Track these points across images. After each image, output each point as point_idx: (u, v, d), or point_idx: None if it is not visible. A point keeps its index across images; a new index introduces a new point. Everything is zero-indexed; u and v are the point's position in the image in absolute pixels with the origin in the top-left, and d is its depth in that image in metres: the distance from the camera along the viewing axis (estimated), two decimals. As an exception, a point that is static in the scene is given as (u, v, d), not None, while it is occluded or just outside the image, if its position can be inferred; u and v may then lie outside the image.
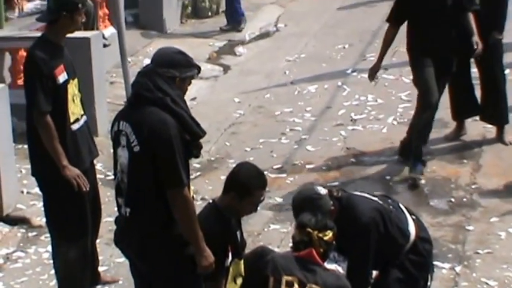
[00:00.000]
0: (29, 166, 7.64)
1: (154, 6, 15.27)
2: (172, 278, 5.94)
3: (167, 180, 5.82)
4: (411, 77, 12.32)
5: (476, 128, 10.63)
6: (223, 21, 16.44)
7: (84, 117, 7.38)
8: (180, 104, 5.93)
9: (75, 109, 7.24)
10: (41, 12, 11.73)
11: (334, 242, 6.05)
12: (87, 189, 7.11)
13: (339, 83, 12.82)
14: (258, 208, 6.43)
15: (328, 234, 5.93)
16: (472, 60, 10.30)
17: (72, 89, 7.23)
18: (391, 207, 6.87)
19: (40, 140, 7.11)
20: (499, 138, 10.41)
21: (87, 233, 7.35)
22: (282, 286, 5.80)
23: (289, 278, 5.81)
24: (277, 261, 5.92)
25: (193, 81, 6.12)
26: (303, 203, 6.49)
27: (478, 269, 7.72)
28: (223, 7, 16.91)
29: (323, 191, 6.64)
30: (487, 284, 7.46)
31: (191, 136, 5.96)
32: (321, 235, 5.90)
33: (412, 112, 11.19)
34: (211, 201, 6.45)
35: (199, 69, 6.21)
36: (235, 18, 15.74)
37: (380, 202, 6.87)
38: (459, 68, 10.25)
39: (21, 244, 8.61)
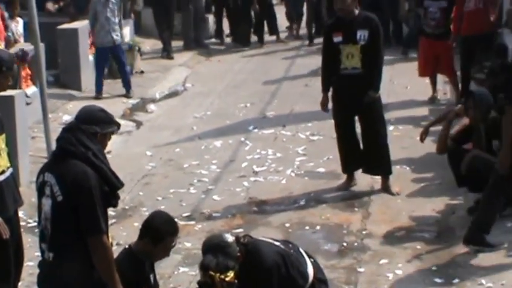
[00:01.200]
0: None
1: (72, 67, 15.15)
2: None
3: (88, 227, 5.77)
4: (307, 133, 12.62)
5: (365, 179, 10.67)
6: (137, 81, 16.40)
7: (10, 169, 7.28)
8: (100, 158, 5.93)
9: (1, 162, 7.14)
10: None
11: (236, 281, 6.03)
12: (7, 236, 6.96)
13: (242, 139, 12.81)
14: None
15: (230, 275, 5.94)
16: (356, 118, 10.44)
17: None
18: (291, 250, 6.89)
19: None
20: (385, 188, 10.46)
21: (9, 277, 7.21)
22: None
23: None
24: None
25: (108, 135, 6.11)
26: (213, 243, 6.48)
27: (369, 308, 7.72)
28: (137, 68, 16.99)
29: (230, 238, 6.63)
30: (376, 322, 7.46)
31: (110, 187, 5.96)
32: (222, 276, 5.89)
33: (309, 164, 11.34)
34: (127, 246, 6.41)
35: (118, 125, 6.26)
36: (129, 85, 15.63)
37: (282, 246, 6.88)
38: (345, 125, 10.44)
39: None
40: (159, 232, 6.25)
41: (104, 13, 14.39)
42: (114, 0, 14.56)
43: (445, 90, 14.46)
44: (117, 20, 14.77)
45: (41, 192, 5.95)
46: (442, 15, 13.77)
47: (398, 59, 17.10)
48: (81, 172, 5.77)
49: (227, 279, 5.89)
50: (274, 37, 20.66)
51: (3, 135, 7.22)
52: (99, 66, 14.74)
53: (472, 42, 13.43)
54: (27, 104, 11.48)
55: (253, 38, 20.42)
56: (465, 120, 9.68)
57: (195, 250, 7.43)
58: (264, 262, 6.55)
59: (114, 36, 14.56)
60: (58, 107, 13.62)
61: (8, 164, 7.23)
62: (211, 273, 5.87)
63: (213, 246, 6.48)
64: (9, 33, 13.82)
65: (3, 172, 7.12)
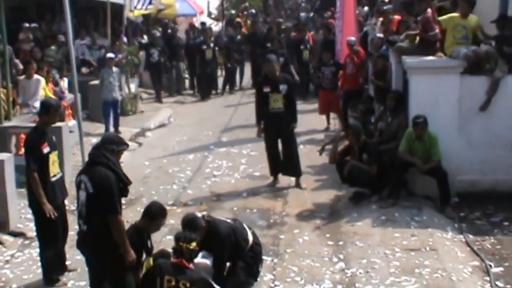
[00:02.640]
0: (26, 201, 7.49)
1: (97, 109, 14.77)
2: (111, 266, 5.91)
3: (109, 209, 5.84)
4: (248, 150, 12.58)
5: (284, 179, 10.66)
6: (139, 117, 16.28)
7: (60, 174, 7.31)
8: (117, 165, 6.01)
9: (54, 169, 7.16)
10: (31, 113, 11.70)
11: (198, 249, 5.97)
12: (54, 216, 6.97)
13: (206, 154, 12.74)
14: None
15: (193, 245, 5.87)
16: (279, 139, 10.43)
17: (53, 157, 7.14)
18: (238, 225, 6.94)
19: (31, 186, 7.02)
20: (297, 185, 10.45)
21: (58, 241, 7.20)
22: (164, 282, 5.74)
23: (169, 277, 5.74)
24: (162, 266, 5.84)
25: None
26: (187, 221, 6.49)
27: (287, 260, 7.73)
28: (139, 109, 16.82)
29: (199, 215, 6.68)
30: (291, 269, 7.47)
31: (123, 184, 5.99)
32: (188, 246, 5.85)
33: (249, 170, 11.33)
34: (133, 223, 6.40)
35: (127, 145, 6.32)
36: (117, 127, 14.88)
37: (232, 222, 6.94)
38: (272, 145, 10.45)
39: (20, 248, 8.37)
40: (154, 214, 6.29)
41: (108, 79, 14.03)
42: (115, 70, 14.21)
43: (335, 123, 14.49)
44: (117, 84, 14.35)
45: (78, 188, 6.01)
46: (332, 76, 13.80)
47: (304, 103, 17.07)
48: (104, 174, 5.85)
49: (191, 247, 5.89)
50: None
51: (56, 152, 7.25)
52: (105, 114, 14.24)
53: (350, 94, 13.60)
54: (70, 131, 11.42)
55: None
56: (346, 142, 9.77)
57: (176, 225, 7.38)
58: (220, 233, 6.60)
59: (113, 95, 14.11)
60: (89, 133, 13.51)
61: (59, 170, 7.30)
62: (180, 243, 5.89)
63: (188, 220, 6.53)
64: (57, 88, 13.72)
65: (54, 176, 7.16)
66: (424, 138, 8.88)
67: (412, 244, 7.76)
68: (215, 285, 6.36)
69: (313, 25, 21.46)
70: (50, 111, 7.17)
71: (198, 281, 5.85)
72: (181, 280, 5.68)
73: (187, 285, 5.67)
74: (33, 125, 7.92)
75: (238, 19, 23.36)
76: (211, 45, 19.09)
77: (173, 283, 5.69)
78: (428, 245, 7.70)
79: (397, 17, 12.13)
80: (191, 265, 5.85)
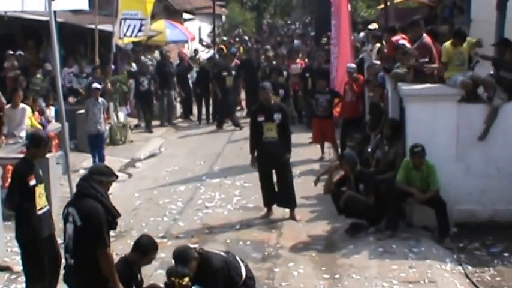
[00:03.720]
0: (12, 235, 7.52)
1: (84, 140, 14.53)
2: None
3: (97, 243, 5.85)
4: (241, 181, 12.56)
5: (278, 210, 10.68)
6: (129, 147, 16.27)
7: (47, 207, 7.31)
8: (105, 197, 6.03)
9: (41, 202, 7.17)
10: (17, 143, 11.72)
11: (190, 284, 6.03)
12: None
13: (198, 185, 12.74)
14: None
15: (185, 280, 5.91)
16: (273, 170, 10.48)
17: (40, 190, 7.16)
18: (231, 258, 6.94)
19: (18, 220, 7.05)
20: (292, 217, 10.46)
21: (44, 276, 7.18)
22: None
23: None
24: None
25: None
26: (179, 254, 6.52)
27: (282, 295, 7.73)
28: (128, 138, 16.81)
29: (192, 247, 6.70)
30: (287, 303, 7.49)
31: (111, 216, 6.00)
32: (180, 281, 5.88)
33: (242, 201, 11.36)
34: (123, 256, 6.45)
35: (116, 176, 6.34)
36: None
37: (225, 255, 6.94)
38: (266, 176, 10.50)
39: (7, 283, 8.32)
40: (146, 248, 6.34)
41: (93, 110, 13.75)
42: (101, 102, 13.96)
43: (329, 152, 14.55)
44: (102, 116, 13.97)
45: (66, 220, 6.03)
46: (327, 104, 13.87)
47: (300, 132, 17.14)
48: (92, 206, 5.88)
49: (183, 283, 5.90)
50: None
51: (43, 184, 7.28)
52: (91, 148, 13.98)
53: (349, 122, 13.66)
54: (57, 163, 11.41)
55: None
56: (342, 172, 9.83)
57: (168, 259, 7.39)
58: (213, 266, 6.60)
59: (98, 127, 13.79)
60: (76, 164, 13.50)
61: (46, 203, 7.30)
62: (173, 278, 5.89)
63: (180, 253, 6.56)
64: (43, 117, 13.75)
65: (41, 208, 7.18)
66: (422, 167, 8.98)
67: (410, 276, 7.79)
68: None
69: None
70: (40, 144, 7.23)
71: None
72: None
73: None
74: (21, 155, 7.95)
75: (222, 46, 23.29)
76: (233, 72, 19.02)
77: None
78: (427, 277, 7.73)
79: (394, 38, 12.11)
80: None
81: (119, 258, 6.41)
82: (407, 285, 7.58)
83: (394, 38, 11.36)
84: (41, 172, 7.37)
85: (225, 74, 18.72)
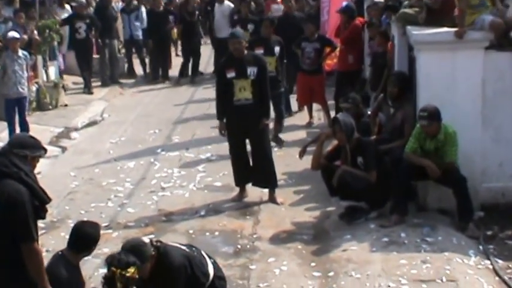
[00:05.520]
0: None
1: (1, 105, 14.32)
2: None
3: (21, 236, 5.74)
4: (207, 154, 12.60)
5: (255, 191, 10.68)
6: (62, 113, 16.23)
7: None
8: (31, 177, 5.92)
9: None
10: None
11: (136, 276, 5.98)
12: None
13: (152, 160, 12.73)
14: (90, 256, 6.57)
15: (131, 271, 5.87)
16: (247, 140, 10.47)
17: None
18: (195, 253, 6.88)
19: None
20: (272, 199, 10.47)
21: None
22: None
23: None
24: None
25: (37, 158, 6.06)
26: (131, 249, 6.45)
27: (260, 298, 7.71)
28: (61, 102, 16.76)
29: (147, 240, 6.63)
30: (266, 309, 7.47)
31: (40, 202, 5.93)
32: (123, 272, 5.84)
33: (208, 179, 11.34)
34: (59, 252, 6.40)
35: (45, 150, 6.25)
36: None
37: (187, 250, 6.87)
38: (237, 147, 10.48)
39: None
40: (87, 239, 6.37)
41: (11, 66, 13.43)
42: (22, 55, 13.65)
43: (319, 116, 14.59)
44: (25, 75, 13.70)
45: (-21, 208, 5.90)
46: (315, 55, 13.84)
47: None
48: (14, 189, 5.74)
49: (128, 274, 5.86)
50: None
51: None
52: (8, 116, 13.68)
53: (343, 78, 13.68)
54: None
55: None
56: (335, 142, 9.80)
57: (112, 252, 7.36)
58: (173, 263, 6.51)
59: (20, 89, 13.55)
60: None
61: None
62: (113, 269, 5.87)
63: (130, 246, 6.48)
64: None
65: None
66: (439, 136, 8.91)
67: (423, 274, 7.79)
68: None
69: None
70: None
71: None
72: None
73: None
74: None
75: None
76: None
77: None
78: (444, 274, 7.73)
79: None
80: None
81: (53, 255, 6.38)
82: (420, 285, 7.58)
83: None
84: None
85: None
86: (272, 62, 11.95)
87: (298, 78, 14.44)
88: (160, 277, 6.47)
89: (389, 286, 7.59)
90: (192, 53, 20.07)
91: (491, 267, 8.03)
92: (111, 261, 5.91)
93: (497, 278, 7.79)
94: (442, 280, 7.62)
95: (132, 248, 6.45)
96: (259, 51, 11.58)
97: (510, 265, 8.07)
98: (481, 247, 8.49)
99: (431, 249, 8.29)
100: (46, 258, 6.11)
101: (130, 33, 20.28)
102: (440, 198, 9.28)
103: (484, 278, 7.74)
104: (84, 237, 6.40)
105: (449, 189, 8.99)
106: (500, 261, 8.15)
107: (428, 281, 7.62)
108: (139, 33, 20.28)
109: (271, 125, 11.72)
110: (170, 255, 6.58)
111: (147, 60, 20.82)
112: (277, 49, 12.40)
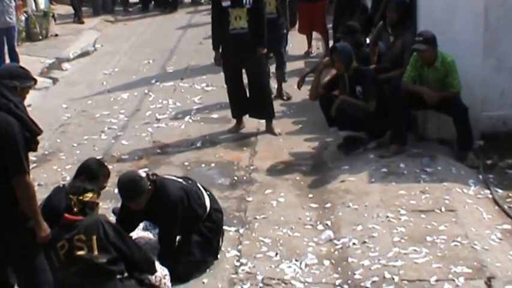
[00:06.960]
0: None
1: None
2: (17, 245, 5.81)
3: (12, 169, 5.69)
4: (202, 84, 12.58)
5: (251, 122, 10.71)
6: (52, 43, 16.16)
7: None
8: (21, 108, 5.84)
9: None
10: None
11: (97, 201, 6.14)
12: None
13: (146, 91, 12.73)
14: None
15: (88, 195, 6.00)
16: (244, 70, 10.46)
17: None
18: (191, 186, 6.96)
19: None
20: (269, 130, 10.51)
21: None
22: (59, 252, 5.95)
23: (60, 243, 5.94)
24: (52, 235, 5.83)
25: (28, 90, 6.05)
26: (126, 184, 6.56)
27: (257, 230, 7.76)
28: (51, 32, 16.69)
29: (143, 174, 6.69)
30: (263, 241, 7.50)
31: (30, 133, 5.87)
32: (81, 197, 5.95)
33: (204, 111, 11.36)
34: (60, 185, 6.59)
35: (35, 81, 6.17)
36: None
37: (183, 182, 6.95)
38: (234, 77, 10.46)
39: None
40: (96, 171, 6.52)
41: None
42: None
43: (318, 45, 14.51)
44: (13, 4, 13.46)
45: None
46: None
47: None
48: (4, 121, 5.66)
49: (85, 199, 5.96)
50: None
51: None
52: None
53: (342, 5, 13.49)
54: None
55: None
56: (333, 71, 9.77)
57: (107, 187, 7.39)
58: (170, 196, 6.62)
59: (7, 19, 13.28)
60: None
61: None
62: (71, 196, 5.97)
63: (127, 183, 6.56)
64: None
65: None
66: (436, 64, 8.91)
67: (422, 204, 7.85)
68: (161, 266, 6.41)
69: None
70: None
71: (138, 261, 6.00)
72: (73, 237, 5.90)
73: (83, 238, 5.89)
74: None
75: None
76: None
77: (66, 247, 5.92)
78: (444, 204, 7.78)
79: None
80: (137, 231, 6.04)
81: (54, 188, 6.48)
82: (419, 215, 7.61)
83: None
84: None
85: None
86: (272, 2, 11.36)
87: (298, 7, 14.32)
88: (158, 210, 6.59)
89: (387, 217, 7.63)
90: None
91: (490, 196, 8.10)
92: (69, 189, 6.10)
93: (496, 208, 7.85)
94: (441, 210, 7.66)
95: (129, 182, 6.54)
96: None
97: (510, 194, 8.12)
98: (480, 176, 8.55)
99: (431, 179, 8.32)
100: (38, 193, 6.08)
101: None
102: (440, 127, 9.32)
103: (483, 208, 7.80)
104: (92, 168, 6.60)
105: (449, 119, 9.00)
106: (500, 191, 8.22)
107: (427, 211, 7.66)
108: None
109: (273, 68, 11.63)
110: (167, 188, 6.68)
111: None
112: None
